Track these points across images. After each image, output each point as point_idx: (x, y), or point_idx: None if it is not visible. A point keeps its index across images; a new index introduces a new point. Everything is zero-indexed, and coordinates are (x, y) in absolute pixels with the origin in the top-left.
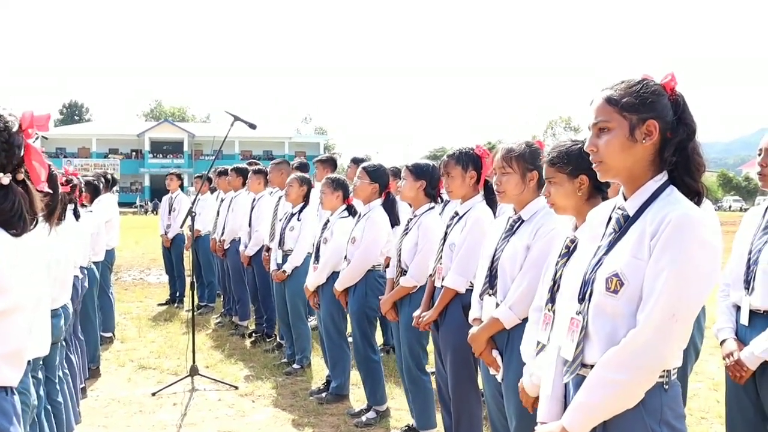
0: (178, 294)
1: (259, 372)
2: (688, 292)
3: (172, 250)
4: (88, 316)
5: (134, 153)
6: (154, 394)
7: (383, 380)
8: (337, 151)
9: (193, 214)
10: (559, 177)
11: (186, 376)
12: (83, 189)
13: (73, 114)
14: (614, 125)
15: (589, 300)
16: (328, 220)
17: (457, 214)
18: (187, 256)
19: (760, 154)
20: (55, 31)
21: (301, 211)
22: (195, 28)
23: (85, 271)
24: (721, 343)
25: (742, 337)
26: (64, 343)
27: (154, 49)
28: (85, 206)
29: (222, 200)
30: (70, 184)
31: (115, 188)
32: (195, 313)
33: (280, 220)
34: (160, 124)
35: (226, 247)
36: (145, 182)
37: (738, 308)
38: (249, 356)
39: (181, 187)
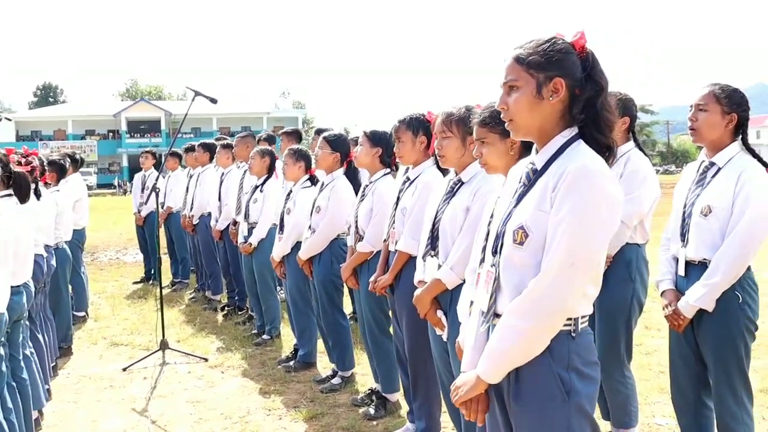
0: (152, 272)
1: (230, 344)
2: (586, 241)
3: (145, 228)
4: (60, 296)
5: (111, 133)
6: (124, 370)
7: (351, 346)
8: (316, 125)
9: (157, 190)
10: (490, 137)
11: (156, 351)
12: (46, 169)
13: (47, 96)
14: (522, 83)
15: (501, 252)
16: (291, 191)
17: (408, 178)
18: (161, 234)
19: (690, 110)
20: (28, 13)
21: (264, 183)
22: (168, 3)
23: (53, 251)
24: (662, 294)
25: (681, 288)
26: (28, 322)
27: (128, 26)
28: (49, 185)
29: (191, 176)
30: (30, 165)
31: (92, 168)
32: (170, 290)
33: (246, 194)
34: (137, 104)
35: (195, 223)
36: (123, 163)
37: (677, 260)
38: (220, 329)
39: (156, 165)
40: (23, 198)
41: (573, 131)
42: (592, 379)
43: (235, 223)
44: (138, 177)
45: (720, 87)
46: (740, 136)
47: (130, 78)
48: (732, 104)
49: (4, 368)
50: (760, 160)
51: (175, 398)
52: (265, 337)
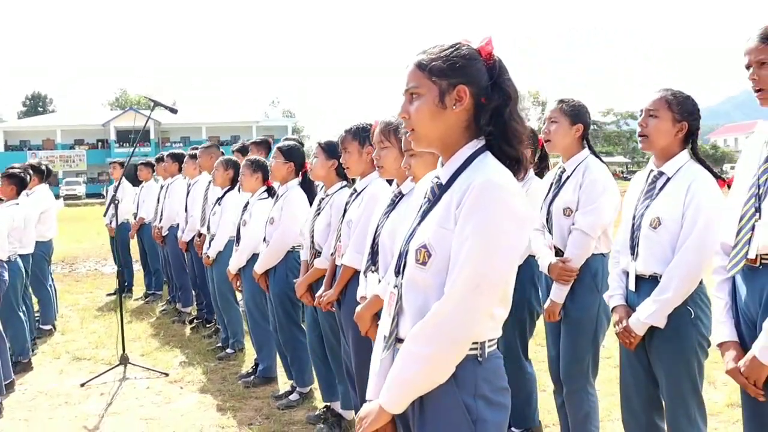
0: (126, 283)
1: (192, 358)
2: (492, 262)
3: (117, 239)
4: (13, 310)
5: (100, 143)
6: (82, 385)
7: (310, 362)
8: (306, 133)
9: (117, 201)
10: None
11: (116, 366)
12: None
13: (36, 105)
14: (424, 91)
15: (403, 273)
16: (248, 202)
17: (355, 190)
18: (134, 245)
19: (641, 115)
20: (17, 23)
21: (224, 195)
22: (158, 15)
23: (5, 264)
24: (612, 310)
25: (631, 303)
26: None
27: (119, 37)
28: (2, 201)
29: (162, 187)
30: None
31: (81, 178)
32: (143, 302)
33: (210, 205)
34: (126, 113)
35: (164, 234)
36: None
37: (627, 274)
38: (186, 343)
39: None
40: None
41: (480, 143)
42: (502, 407)
43: (200, 234)
44: (111, 189)
45: (672, 93)
46: (690, 145)
47: (119, 88)
48: (684, 112)
49: None
50: (709, 169)
51: (129, 415)
52: (228, 351)
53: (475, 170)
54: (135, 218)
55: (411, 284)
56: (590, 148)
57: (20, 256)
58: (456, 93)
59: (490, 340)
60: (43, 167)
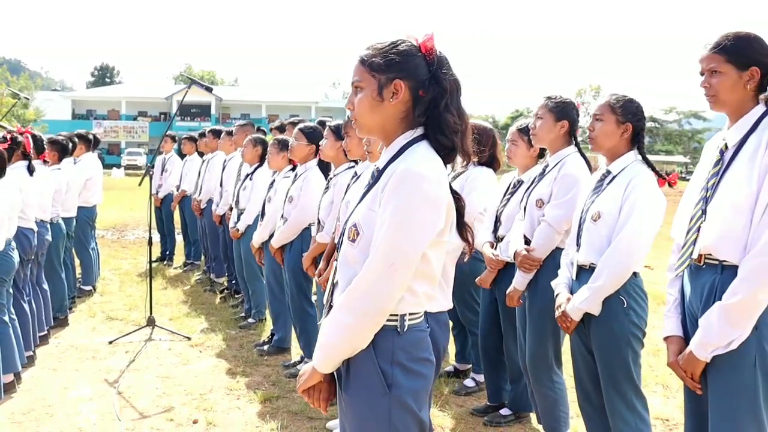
0: (167, 252)
1: (215, 325)
2: (405, 243)
3: (162, 209)
4: (54, 268)
5: (162, 116)
6: (110, 343)
7: (318, 334)
8: None
9: (151, 173)
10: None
11: (143, 327)
12: (45, 147)
13: (104, 76)
14: (365, 84)
15: (340, 248)
16: (273, 180)
17: (355, 173)
18: (177, 216)
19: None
20: None
21: (254, 171)
22: None
23: (47, 225)
24: (555, 296)
25: (573, 291)
26: (12, 290)
27: (185, 12)
28: (48, 163)
29: (203, 162)
30: (8, 143)
31: (143, 149)
32: (181, 270)
33: (238, 180)
34: (199, 82)
35: (203, 207)
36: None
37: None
38: (213, 311)
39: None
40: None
41: (416, 132)
42: (419, 375)
43: (231, 208)
44: (159, 159)
45: (616, 97)
46: (637, 146)
47: (184, 62)
48: (626, 114)
49: None
50: (653, 168)
51: (147, 372)
52: (250, 320)
53: (403, 158)
54: (178, 190)
55: (343, 259)
56: (577, 145)
57: (63, 218)
58: (393, 86)
59: (411, 314)
60: (90, 136)
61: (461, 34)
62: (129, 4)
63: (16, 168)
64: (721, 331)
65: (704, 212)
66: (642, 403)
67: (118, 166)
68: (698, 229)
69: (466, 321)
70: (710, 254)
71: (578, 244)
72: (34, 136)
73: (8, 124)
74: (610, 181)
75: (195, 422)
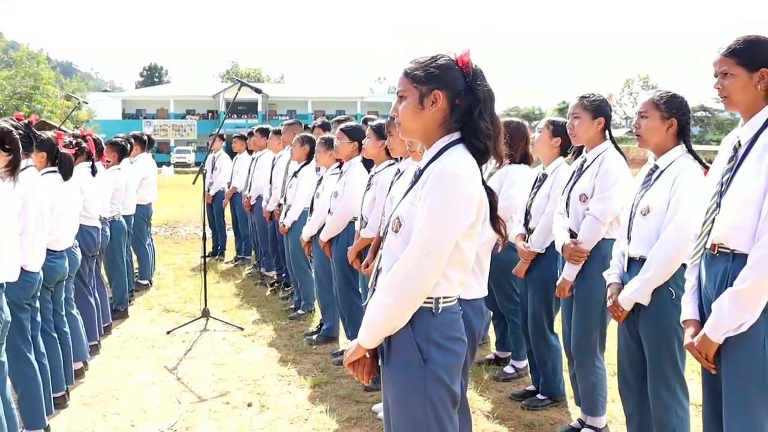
0: (219, 247)
1: (267, 316)
2: (439, 233)
3: (213, 206)
4: (115, 263)
5: (210, 114)
6: (168, 333)
7: None
8: None
9: (204, 171)
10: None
11: (198, 318)
12: (103, 149)
13: (153, 76)
14: (408, 94)
15: (385, 238)
16: (321, 177)
17: (398, 170)
18: (228, 212)
19: (635, 117)
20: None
21: (300, 168)
22: None
23: (108, 223)
24: (607, 287)
25: (625, 282)
26: (79, 284)
27: (231, 10)
28: (109, 164)
29: (253, 159)
30: (75, 147)
31: (191, 147)
32: (233, 265)
33: (286, 177)
34: (236, 85)
35: (252, 203)
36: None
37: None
38: (263, 303)
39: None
40: (66, 175)
41: (453, 136)
42: (452, 352)
43: (280, 204)
44: (209, 158)
45: (659, 94)
46: (683, 140)
47: (230, 60)
48: (671, 109)
49: (39, 318)
50: (700, 161)
51: (203, 360)
52: (299, 312)
53: (441, 159)
54: (229, 187)
55: (387, 247)
56: (612, 140)
57: (123, 216)
58: (432, 96)
59: (445, 298)
60: (145, 137)
61: (512, 34)
62: (176, 4)
63: (80, 169)
64: (731, 314)
65: (719, 205)
66: (683, 390)
67: (168, 164)
68: (713, 221)
69: (504, 310)
70: (722, 244)
71: (629, 237)
72: (95, 140)
73: (65, 127)
74: (658, 176)
75: (249, 405)
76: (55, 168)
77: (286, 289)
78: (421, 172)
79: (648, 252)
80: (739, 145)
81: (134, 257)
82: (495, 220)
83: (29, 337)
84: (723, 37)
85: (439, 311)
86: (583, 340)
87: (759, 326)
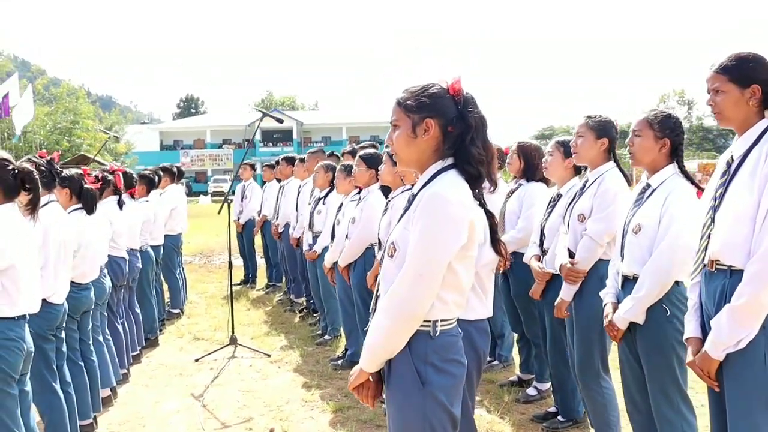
0: (250, 275)
1: (293, 342)
2: (431, 256)
3: (244, 235)
4: (145, 293)
5: (246, 142)
6: (197, 361)
7: None
8: None
9: (229, 201)
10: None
11: (226, 346)
12: (135, 182)
13: (189, 107)
14: (401, 123)
15: (382, 263)
16: (341, 203)
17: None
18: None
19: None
20: (175, 27)
21: (326, 195)
22: (302, 17)
23: (137, 254)
24: (603, 306)
25: (620, 301)
26: (107, 313)
27: (264, 40)
28: (134, 198)
29: (281, 188)
30: (101, 182)
31: (228, 175)
32: (264, 292)
33: (309, 204)
34: (271, 113)
35: (280, 231)
36: (257, 170)
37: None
38: (292, 329)
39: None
40: (89, 210)
41: (445, 162)
42: (450, 374)
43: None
44: (239, 187)
45: (654, 113)
46: (676, 159)
47: (265, 89)
48: (664, 129)
49: (64, 348)
50: (692, 181)
51: (230, 387)
52: (326, 337)
53: (433, 184)
54: (259, 216)
55: (384, 272)
56: (615, 160)
57: (152, 247)
58: (425, 125)
59: (442, 320)
60: (174, 169)
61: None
62: (213, 37)
63: (108, 203)
64: (730, 331)
65: (713, 220)
66: (688, 406)
67: (205, 193)
68: (708, 236)
69: (530, 333)
70: (719, 260)
71: (622, 256)
72: (125, 174)
73: (102, 159)
74: (650, 194)
75: (272, 431)
76: (80, 204)
77: (314, 315)
78: (414, 196)
79: (641, 269)
80: (732, 160)
81: (165, 287)
82: (495, 242)
83: (54, 367)
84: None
85: (437, 334)
86: (586, 361)
87: (758, 341)
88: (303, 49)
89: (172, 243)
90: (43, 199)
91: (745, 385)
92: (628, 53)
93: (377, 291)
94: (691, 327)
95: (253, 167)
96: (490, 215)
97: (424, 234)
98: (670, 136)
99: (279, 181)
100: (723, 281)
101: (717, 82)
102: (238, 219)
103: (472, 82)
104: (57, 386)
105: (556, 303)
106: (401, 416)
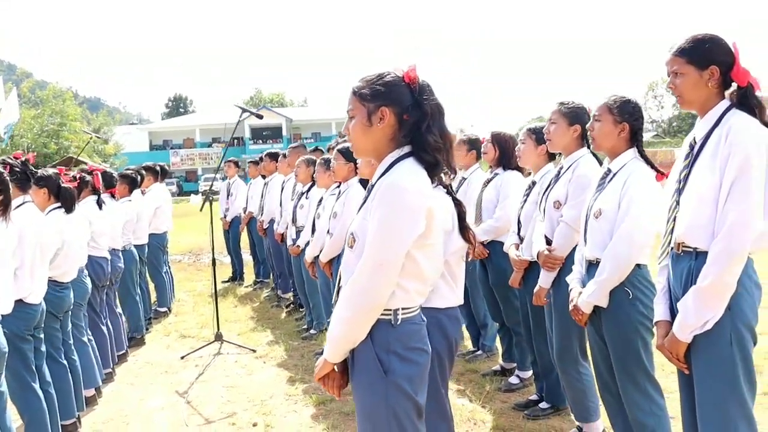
0: (238, 272)
1: (279, 337)
2: (389, 244)
3: (230, 232)
4: (129, 292)
5: (236, 141)
6: (182, 358)
7: None
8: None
9: (211, 198)
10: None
11: (212, 342)
12: (116, 182)
13: (178, 107)
14: (357, 112)
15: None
16: (321, 197)
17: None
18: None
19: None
20: (166, 27)
21: (309, 190)
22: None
23: (119, 253)
24: (569, 291)
25: (585, 285)
26: (89, 313)
27: (252, 38)
28: (115, 198)
29: (265, 184)
30: (78, 181)
31: (219, 174)
32: (251, 288)
33: (292, 200)
34: (259, 111)
35: (265, 227)
36: (247, 168)
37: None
38: (278, 324)
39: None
40: (68, 209)
41: (402, 151)
42: (413, 362)
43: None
44: (224, 184)
45: (613, 98)
46: (635, 144)
47: (254, 87)
48: (623, 114)
49: (43, 348)
50: (651, 165)
51: (214, 383)
52: (312, 332)
53: (390, 174)
54: (245, 212)
55: (345, 263)
56: (589, 147)
57: (135, 246)
58: (380, 113)
59: (404, 309)
60: (158, 168)
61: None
62: (201, 36)
63: (86, 203)
64: (696, 312)
65: (678, 203)
66: (655, 388)
67: (196, 192)
68: (674, 219)
69: (510, 321)
70: (684, 242)
71: (585, 241)
72: (105, 173)
73: (89, 159)
74: (611, 179)
75: (254, 425)
76: (59, 204)
77: (301, 310)
78: (373, 187)
79: (602, 253)
80: (695, 142)
81: (152, 285)
82: (464, 230)
83: (33, 367)
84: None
85: (398, 322)
86: (565, 347)
87: (724, 323)
88: (304, 50)
89: (158, 242)
90: (18, 200)
91: (712, 366)
92: (628, 53)
93: (339, 282)
94: (660, 310)
95: (237, 164)
96: (457, 203)
97: (382, 223)
98: (629, 120)
99: (264, 177)
100: (689, 263)
101: (676, 64)
102: (225, 216)
103: (472, 82)
104: (36, 386)
105: (534, 291)
106: (365, 405)
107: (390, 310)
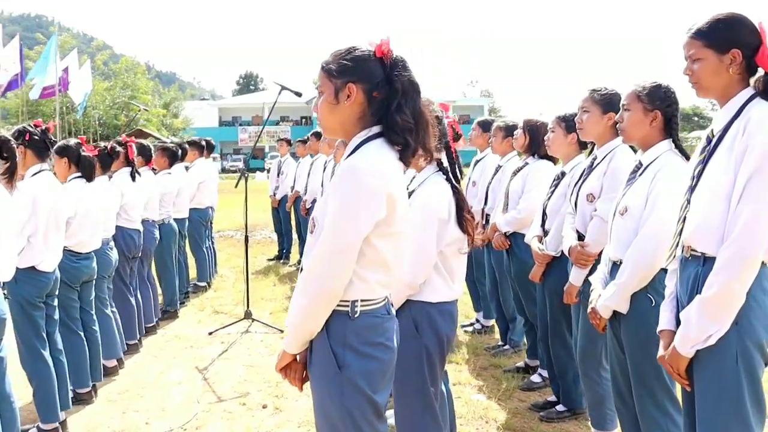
0: (284, 250)
1: None
2: (345, 229)
3: (279, 210)
4: (165, 265)
5: (303, 119)
6: (210, 334)
7: None
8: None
9: (246, 175)
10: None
11: (241, 320)
12: (152, 156)
13: (248, 84)
14: (324, 89)
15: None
16: None
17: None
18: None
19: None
20: (237, 8)
21: None
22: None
23: (157, 226)
24: (591, 291)
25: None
26: (111, 286)
27: (322, 17)
28: (156, 171)
29: (311, 164)
30: (108, 151)
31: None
32: (295, 268)
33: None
34: (289, 88)
35: (308, 207)
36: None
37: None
38: None
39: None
40: (89, 178)
41: (371, 131)
42: (372, 358)
43: None
44: (275, 162)
45: (642, 85)
46: (671, 134)
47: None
48: (653, 101)
49: (56, 316)
50: (687, 158)
51: (235, 361)
52: None
53: (354, 155)
54: (292, 191)
55: (308, 248)
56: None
57: (175, 219)
58: (347, 90)
59: (363, 300)
60: (203, 142)
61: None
62: (274, 15)
63: (120, 174)
64: (699, 325)
65: (689, 201)
66: (674, 405)
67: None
68: (684, 219)
69: (531, 316)
70: (691, 246)
71: (610, 239)
72: (141, 146)
73: (157, 132)
74: (642, 173)
75: (264, 407)
76: (80, 173)
77: None
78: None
79: (625, 254)
80: (713, 135)
81: (192, 260)
82: (462, 220)
83: (44, 335)
84: None
85: (357, 315)
86: (589, 349)
87: (730, 338)
88: (303, 50)
89: (200, 217)
90: (35, 168)
91: (714, 385)
92: (629, 53)
93: (301, 268)
94: (665, 318)
95: (289, 142)
96: (456, 190)
97: (338, 207)
98: (660, 107)
99: (312, 156)
100: (696, 269)
101: (693, 48)
102: (274, 194)
103: (472, 82)
104: (46, 353)
105: (565, 288)
106: (320, 400)
107: (347, 301)
